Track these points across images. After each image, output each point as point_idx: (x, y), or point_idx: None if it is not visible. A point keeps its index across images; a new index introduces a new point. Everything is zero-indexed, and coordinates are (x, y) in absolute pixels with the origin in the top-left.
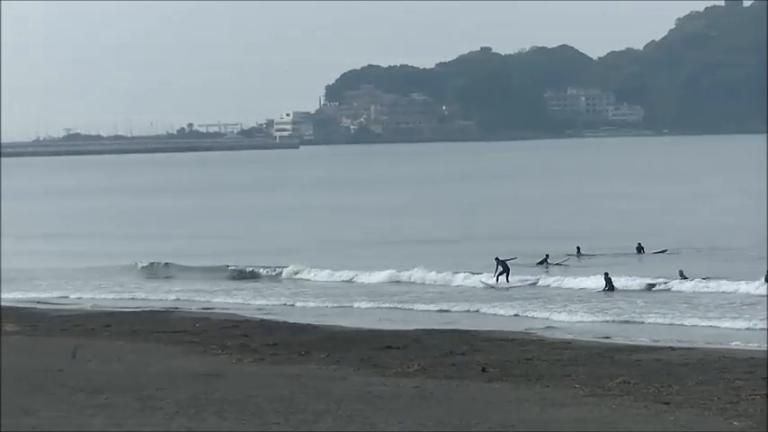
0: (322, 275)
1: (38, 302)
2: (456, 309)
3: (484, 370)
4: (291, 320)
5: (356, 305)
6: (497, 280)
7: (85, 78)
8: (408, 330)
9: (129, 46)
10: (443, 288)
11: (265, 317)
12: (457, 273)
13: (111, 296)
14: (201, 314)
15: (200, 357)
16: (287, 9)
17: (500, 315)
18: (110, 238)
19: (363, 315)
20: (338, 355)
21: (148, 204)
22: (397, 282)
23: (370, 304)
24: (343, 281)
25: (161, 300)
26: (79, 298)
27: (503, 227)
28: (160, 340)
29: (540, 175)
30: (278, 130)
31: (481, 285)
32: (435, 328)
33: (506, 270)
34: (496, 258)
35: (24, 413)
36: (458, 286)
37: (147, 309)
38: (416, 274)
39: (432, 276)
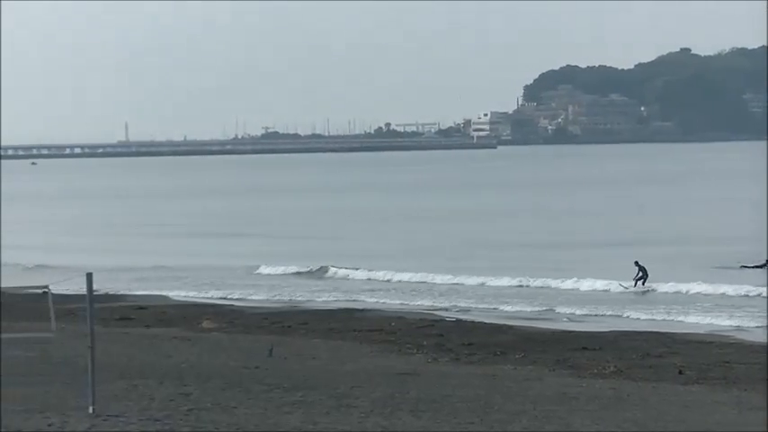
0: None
1: (224, 300)
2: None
3: (681, 372)
4: (488, 321)
5: (558, 309)
6: (635, 284)
7: (284, 77)
8: (604, 332)
9: (325, 47)
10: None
11: (462, 317)
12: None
13: (301, 296)
14: (397, 313)
15: (395, 356)
16: (487, 8)
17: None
18: (287, 237)
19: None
20: (534, 355)
21: (332, 204)
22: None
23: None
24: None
25: (348, 300)
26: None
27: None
28: (356, 339)
29: (742, 178)
30: (475, 130)
31: (620, 289)
32: (632, 329)
33: (645, 275)
34: (636, 263)
35: (221, 410)
36: (592, 291)
37: (343, 307)
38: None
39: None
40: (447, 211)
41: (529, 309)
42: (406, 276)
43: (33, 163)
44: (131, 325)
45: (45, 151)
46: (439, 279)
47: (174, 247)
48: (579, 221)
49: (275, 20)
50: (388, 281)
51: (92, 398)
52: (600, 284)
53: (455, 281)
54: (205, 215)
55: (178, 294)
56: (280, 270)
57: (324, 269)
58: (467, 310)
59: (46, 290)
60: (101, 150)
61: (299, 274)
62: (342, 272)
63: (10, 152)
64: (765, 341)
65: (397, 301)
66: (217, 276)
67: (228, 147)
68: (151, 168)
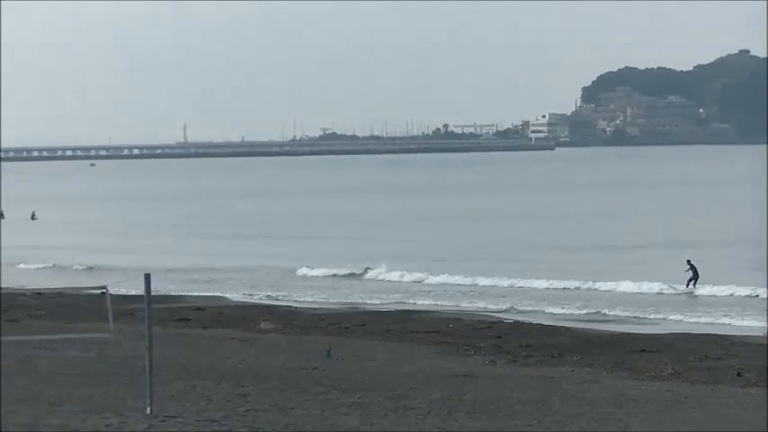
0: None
1: (281, 301)
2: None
3: (739, 375)
4: (545, 323)
5: (609, 311)
6: (687, 285)
7: (343, 79)
8: (662, 334)
9: (383, 48)
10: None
11: (519, 318)
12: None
13: (358, 298)
14: (454, 315)
15: (452, 358)
16: (544, 8)
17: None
18: (333, 239)
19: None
20: (591, 357)
21: (381, 205)
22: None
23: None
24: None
25: (402, 302)
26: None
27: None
28: (413, 340)
29: None
30: (533, 132)
31: (671, 291)
32: (689, 332)
33: (696, 276)
34: (688, 261)
35: (279, 411)
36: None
37: (400, 309)
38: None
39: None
40: (496, 213)
41: (583, 311)
42: (454, 279)
43: (92, 164)
44: (189, 326)
45: (103, 152)
46: (489, 281)
47: (220, 248)
48: (630, 223)
49: (331, 20)
50: (441, 284)
51: (150, 398)
52: (651, 286)
53: (506, 282)
54: (255, 216)
55: (235, 295)
56: (320, 272)
57: (366, 271)
58: (517, 312)
59: (104, 291)
60: (159, 151)
61: (338, 276)
62: (389, 274)
63: (68, 153)
64: None
65: (452, 303)
66: (264, 278)
67: (286, 148)
68: (208, 170)
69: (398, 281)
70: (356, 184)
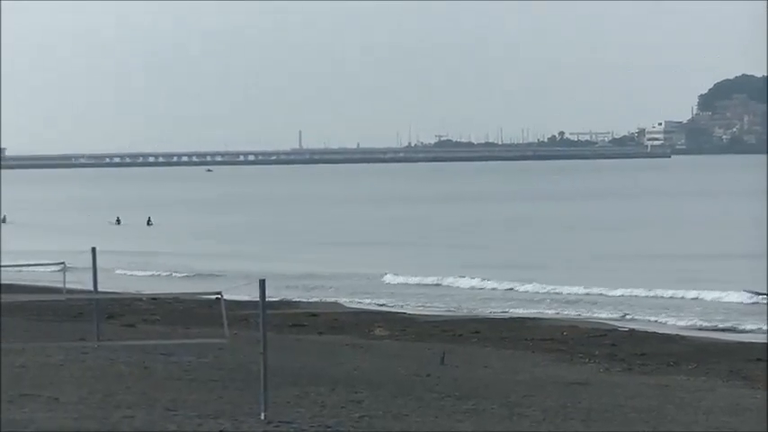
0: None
1: (395, 307)
2: None
3: None
4: (660, 331)
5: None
6: None
7: (458, 85)
8: None
9: (498, 55)
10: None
11: (634, 327)
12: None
13: (471, 305)
14: (568, 322)
15: (567, 365)
16: (661, 8)
17: None
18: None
19: None
20: (707, 366)
21: (484, 212)
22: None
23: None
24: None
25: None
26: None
27: None
28: (528, 347)
29: None
30: (649, 140)
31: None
32: None
33: None
34: None
35: (393, 417)
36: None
37: (515, 316)
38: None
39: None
40: (600, 220)
41: (696, 320)
42: (551, 287)
43: (209, 170)
44: (304, 332)
45: (219, 158)
46: (592, 290)
47: (317, 254)
48: (739, 231)
49: (449, 24)
50: (548, 292)
51: (264, 404)
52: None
53: (617, 292)
54: (352, 222)
55: (350, 301)
56: (404, 279)
57: (458, 278)
58: (630, 320)
59: (219, 296)
60: (274, 158)
61: (424, 284)
62: (485, 282)
63: (184, 159)
64: None
65: (555, 311)
66: (363, 284)
67: (402, 155)
68: (322, 176)
69: (492, 288)
70: (464, 191)
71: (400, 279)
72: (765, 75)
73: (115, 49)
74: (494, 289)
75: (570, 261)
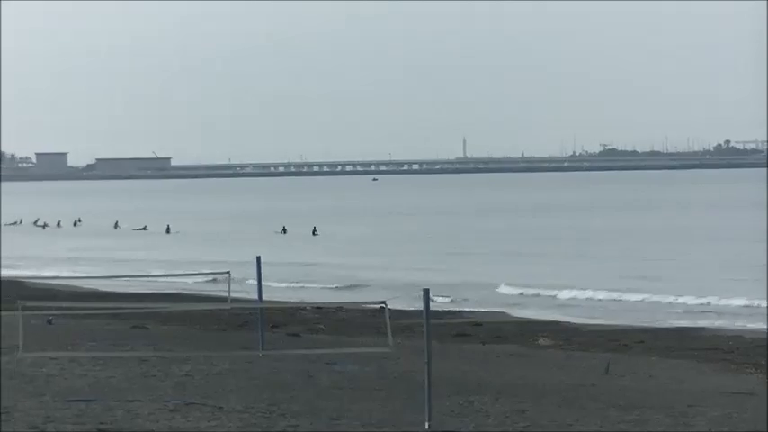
0: None
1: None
2: None
3: None
4: None
5: None
6: None
7: (621, 93)
8: None
9: (658, 63)
10: None
11: None
12: None
13: (632, 315)
14: (733, 332)
15: (732, 375)
16: None
17: None
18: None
19: None
20: None
21: (635, 222)
22: None
23: None
24: None
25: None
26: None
27: None
28: (693, 357)
29: None
30: None
31: None
32: None
33: None
34: None
35: (557, 427)
36: None
37: (679, 326)
38: None
39: None
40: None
41: None
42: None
43: (374, 179)
44: (467, 341)
45: (383, 167)
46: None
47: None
48: None
49: (613, 34)
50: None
51: (428, 413)
52: None
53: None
54: (491, 232)
55: (514, 311)
56: (516, 290)
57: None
58: None
59: (383, 305)
60: (438, 167)
61: (538, 296)
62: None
63: (348, 168)
64: None
65: (708, 321)
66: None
67: (566, 164)
68: (485, 185)
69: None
70: (619, 200)
71: (513, 290)
72: None
73: (278, 61)
74: (656, 302)
75: (726, 271)
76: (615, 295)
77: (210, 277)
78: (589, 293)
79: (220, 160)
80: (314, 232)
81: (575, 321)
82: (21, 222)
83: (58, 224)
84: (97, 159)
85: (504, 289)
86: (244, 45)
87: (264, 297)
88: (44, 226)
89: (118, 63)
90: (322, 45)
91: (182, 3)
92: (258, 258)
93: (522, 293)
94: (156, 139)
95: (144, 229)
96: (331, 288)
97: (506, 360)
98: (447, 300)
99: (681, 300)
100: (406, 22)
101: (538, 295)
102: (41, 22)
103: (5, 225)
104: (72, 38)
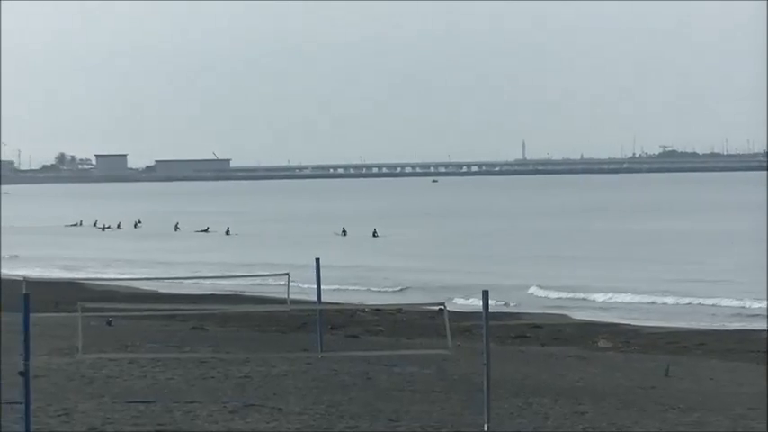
0: None
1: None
2: None
3: None
4: None
5: None
6: None
7: (676, 95)
8: None
9: (717, 63)
10: None
11: None
12: None
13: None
14: None
15: None
16: None
17: None
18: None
19: None
20: None
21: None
22: None
23: None
24: None
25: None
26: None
27: None
28: (753, 359)
29: None
30: None
31: None
32: None
33: None
34: None
35: (616, 429)
36: None
37: (738, 328)
38: None
39: None
40: None
41: None
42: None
43: (434, 180)
44: (527, 343)
45: (442, 169)
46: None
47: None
48: None
49: (675, 34)
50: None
51: (486, 415)
52: None
53: None
54: (541, 235)
55: (578, 313)
56: (546, 293)
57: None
58: None
59: (442, 307)
60: (497, 169)
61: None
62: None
63: (407, 170)
64: None
65: None
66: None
67: (625, 165)
68: (543, 187)
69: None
70: (677, 202)
71: (545, 293)
72: None
73: (336, 62)
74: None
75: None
76: (653, 299)
77: (269, 279)
78: (627, 297)
79: (279, 162)
80: (374, 234)
81: (634, 323)
82: (81, 224)
83: (119, 226)
84: (157, 161)
85: (536, 291)
86: (301, 46)
87: (323, 299)
88: (104, 228)
89: (178, 64)
90: (387, 47)
91: (247, 2)
92: (317, 260)
93: (559, 297)
94: (216, 141)
95: (206, 231)
96: (390, 290)
97: (565, 362)
98: (501, 302)
99: (736, 303)
100: (466, 23)
101: (584, 299)
102: (111, 22)
103: (66, 226)
104: (134, 38)
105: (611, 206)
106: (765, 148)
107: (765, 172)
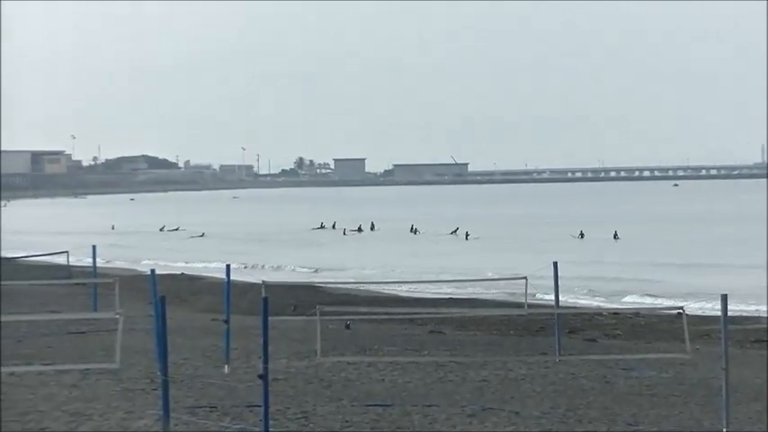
0: None
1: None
2: None
3: None
4: None
5: None
6: None
7: None
8: None
9: None
10: None
11: None
12: None
13: None
14: None
15: None
16: None
17: None
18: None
19: None
20: None
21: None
22: None
23: None
24: None
25: None
26: None
27: None
28: None
29: None
30: None
31: None
32: None
33: None
34: None
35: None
36: None
37: None
38: None
39: None
40: None
41: None
42: None
43: (675, 185)
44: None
45: (681, 173)
46: None
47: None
48: None
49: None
50: None
51: (725, 420)
52: None
53: None
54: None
55: None
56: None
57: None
58: None
59: (681, 311)
60: (737, 172)
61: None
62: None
63: (646, 173)
64: None
65: None
66: None
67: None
68: None
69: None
70: None
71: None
72: None
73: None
74: None
75: None
76: None
77: (505, 283)
78: None
79: (517, 166)
80: (615, 236)
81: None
82: (323, 226)
83: (359, 229)
84: (395, 165)
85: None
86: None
87: (561, 302)
88: (344, 231)
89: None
90: (631, 52)
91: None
92: (555, 264)
93: None
94: (453, 144)
95: (455, 233)
96: (628, 293)
97: None
98: (741, 307)
99: None
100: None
101: None
102: (340, 26)
103: (312, 230)
104: (366, 46)
105: None
106: None
107: None
